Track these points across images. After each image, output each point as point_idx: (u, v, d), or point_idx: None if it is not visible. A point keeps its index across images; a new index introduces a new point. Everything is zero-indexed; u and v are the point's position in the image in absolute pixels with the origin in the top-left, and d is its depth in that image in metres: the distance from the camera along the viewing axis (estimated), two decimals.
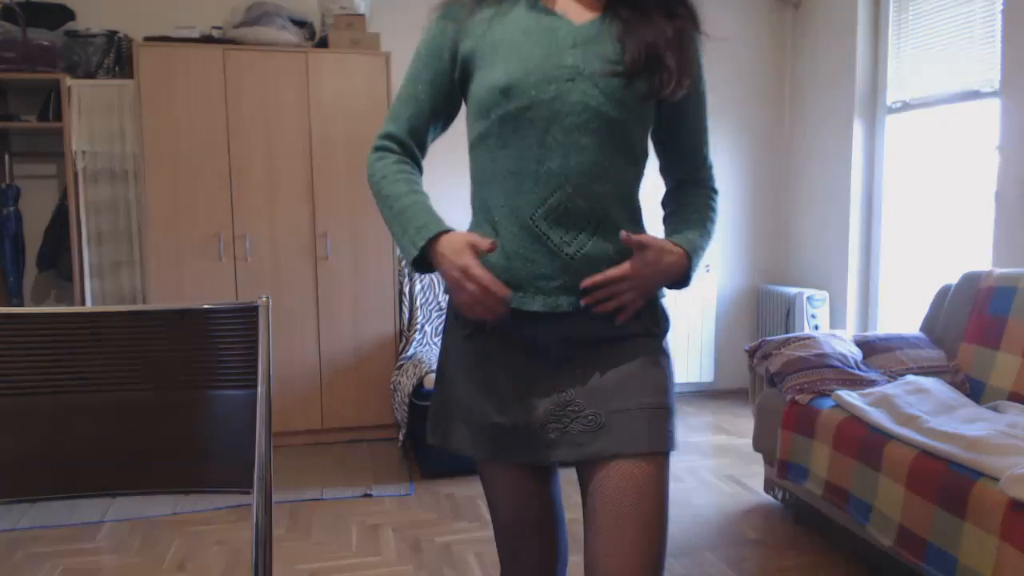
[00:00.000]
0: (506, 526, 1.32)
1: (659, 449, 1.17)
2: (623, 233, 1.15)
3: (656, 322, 1.26)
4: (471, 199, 1.27)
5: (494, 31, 1.20)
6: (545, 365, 1.22)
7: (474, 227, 1.26)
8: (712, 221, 1.32)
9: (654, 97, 1.20)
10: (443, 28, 1.24)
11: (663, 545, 1.16)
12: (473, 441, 1.27)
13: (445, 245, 1.15)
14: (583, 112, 1.15)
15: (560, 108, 1.15)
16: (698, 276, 1.78)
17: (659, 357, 1.24)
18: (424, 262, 1.20)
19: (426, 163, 1.34)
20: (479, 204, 1.25)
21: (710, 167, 1.37)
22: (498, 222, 1.21)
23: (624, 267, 1.17)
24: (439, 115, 1.28)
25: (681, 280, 1.24)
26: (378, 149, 1.28)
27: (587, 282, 1.17)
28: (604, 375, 1.21)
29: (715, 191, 1.36)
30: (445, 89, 1.26)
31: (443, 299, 3.90)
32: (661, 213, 1.38)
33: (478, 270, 1.11)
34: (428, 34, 1.26)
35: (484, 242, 1.12)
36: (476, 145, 1.24)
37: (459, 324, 1.27)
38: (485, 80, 1.19)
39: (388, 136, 1.27)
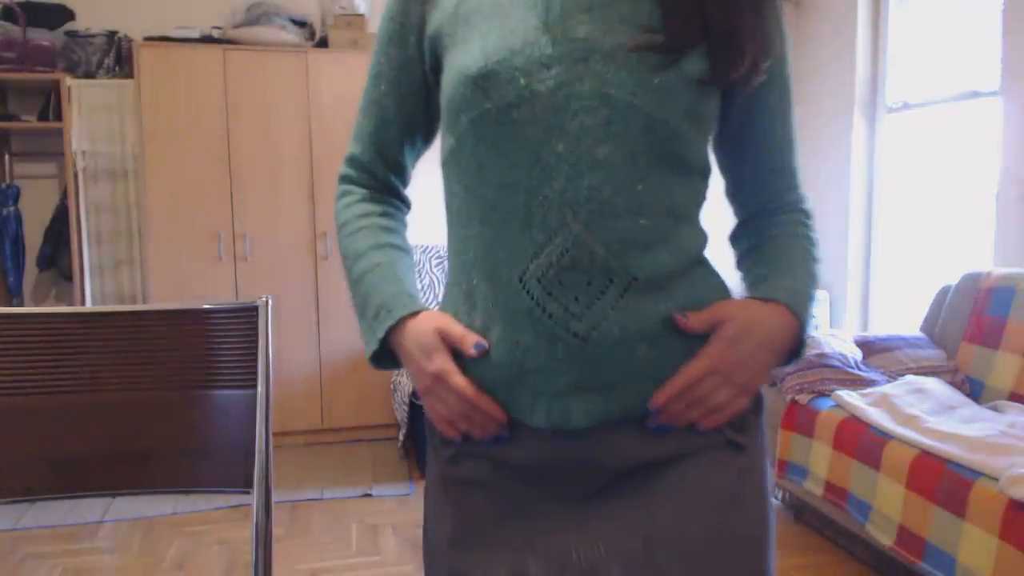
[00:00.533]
0: None
1: None
2: (676, 316, 0.77)
3: (744, 430, 0.80)
4: (448, 242, 0.86)
5: None
6: (559, 506, 0.80)
7: (448, 295, 0.86)
8: (814, 257, 0.88)
9: (718, 82, 0.78)
10: (406, 1, 0.87)
11: None
12: None
13: (410, 337, 0.81)
14: (601, 108, 0.74)
15: (566, 104, 0.74)
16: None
17: (748, 486, 0.79)
18: (388, 357, 0.86)
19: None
20: (452, 256, 0.85)
21: (799, 184, 0.95)
22: (474, 285, 0.80)
23: (703, 359, 0.77)
24: (415, 125, 0.91)
25: (794, 349, 0.83)
26: (341, 182, 0.96)
27: (657, 399, 0.77)
28: (653, 524, 0.77)
29: (808, 215, 0.94)
30: (416, 87, 0.89)
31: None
32: (729, 253, 0.97)
33: (458, 378, 0.78)
34: (387, 11, 0.89)
35: (467, 337, 0.79)
36: (446, 164, 0.85)
37: (436, 443, 0.88)
38: (455, 66, 0.79)
39: (350, 162, 0.95)
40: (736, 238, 0.96)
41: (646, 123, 0.75)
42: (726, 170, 0.93)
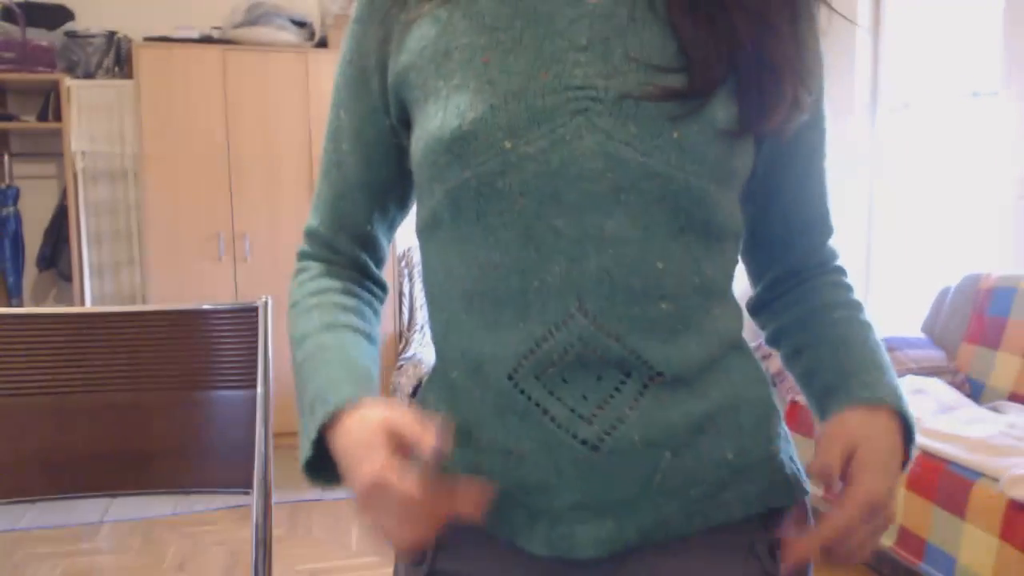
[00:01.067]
0: None
1: None
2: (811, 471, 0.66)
3: (777, 554, 0.65)
4: (431, 329, 0.71)
5: (441, 31, 0.64)
6: None
7: (428, 385, 0.72)
8: (876, 339, 0.73)
9: (754, 130, 0.63)
10: (362, 37, 0.70)
11: None
12: None
13: (348, 433, 0.59)
14: (607, 172, 0.60)
15: (563, 170, 0.60)
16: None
17: None
18: (330, 465, 0.62)
19: None
20: (434, 340, 0.71)
21: (831, 235, 0.81)
22: (457, 381, 0.66)
23: (861, 495, 0.62)
24: (385, 190, 0.74)
25: (905, 459, 0.68)
26: (298, 259, 0.78)
27: (790, 560, 0.62)
28: None
29: (846, 275, 0.80)
30: (384, 143, 0.71)
31: None
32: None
33: (395, 479, 0.54)
34: (342, 54, 0.74)
35: (424, 436, 0.55)
36: (421, 235, 0.71)
37: (407, 568, 0.70)
38: (427, 126, 0.64)
39: (309, 237, 0.77)
40: (767, 310, 0.78)
41: (665, 188, 0.60)
42: (750, 226, 0.72)
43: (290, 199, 3.56)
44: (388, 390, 3.70)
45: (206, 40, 3.51)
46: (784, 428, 0.73)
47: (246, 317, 1.19)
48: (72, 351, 1.15)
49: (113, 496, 1.12)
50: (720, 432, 0.64)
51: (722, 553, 0.64)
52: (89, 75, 3.57)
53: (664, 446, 0.61)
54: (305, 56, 3.52)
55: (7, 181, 3.68)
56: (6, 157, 3.69)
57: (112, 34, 3.61)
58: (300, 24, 3.66)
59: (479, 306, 0.63)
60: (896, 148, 4.01)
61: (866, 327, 0.73)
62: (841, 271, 0.79)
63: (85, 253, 3.60)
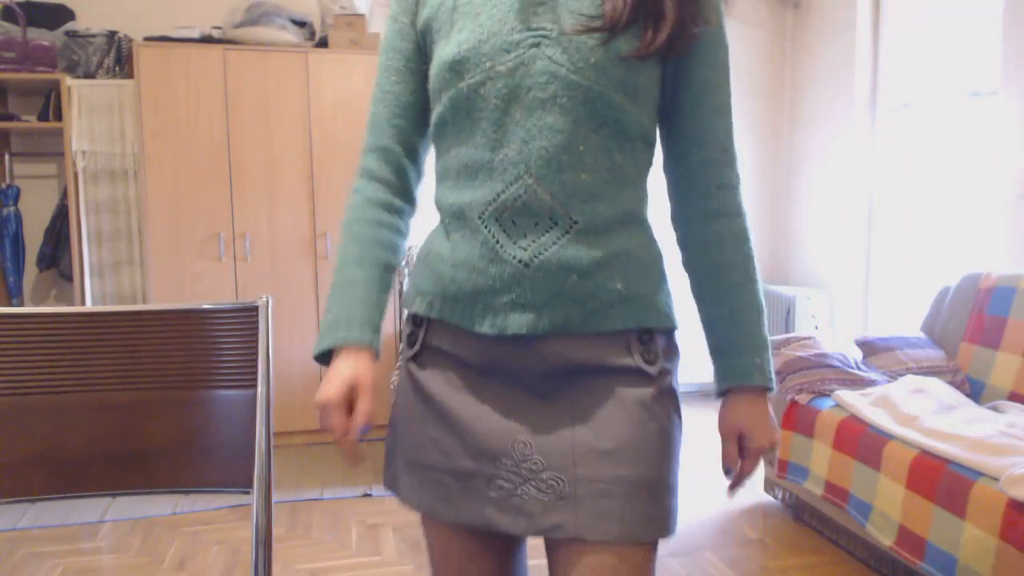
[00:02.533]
0: None
1: (639, 539, 0.91)
2: (724, 472, 1.03)
3: (657, 355, 0.95)
4: (435, 195, 1.02)
5: None
6: (500, 402, 0.96)
7: (432, 232, 1.05)
8: (758, 286, 1.01)
9: (644, 53, 0.90)
10: (401, 2, 1.03)
11: None
12: (419, 492, 1.00)
13: (336, 364, 0.95)
14: (549, 83, 0.90)
15: (521, 81, 0.90)
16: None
17: (658, 407, 0.94)
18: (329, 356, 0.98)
19: None
20: (437, 205, 1.01)
21: (735, 174, 1.01)
22: (448, 225, 0.98)
23: (747, 465, 1.02)
24: (423, 106, 1.03)
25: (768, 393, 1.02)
26: (359, 176, 1.06)
27: (732, 487, 1.04)
28: (576, 426, 0.93)
29: (744, 218, 1.02)
30: (422, 76, 1.02)
31: None
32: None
33: (334, 418, 0.95)
34: (391, 12, 1.04)
35: (360, 415, 0.94)
36: (435, 136, 1.01)
37: (405, 345, 1.04)
38: (438, 56, 0.96)
39: (371, 150, 1.05)
40: (684, 234, 1.06)
41: (586, 95, 0.90)
42: (663, 140, 1.03)
43: (290, 199, 3.56)
44: (389, 390, 3.71)
45: (206, 40, 3.51)
46: (665, 279, 1.00)
47: (246, 317, 1.19)
48: (72, 351, 1.15)
49: (113, 496, 1.12)
50: (613, 270, 0.93)
51: (604, 344, 0.94)
52: (90, 75, 3.57)
53: (572, 271, 0.91)
54: (305, 56, 3.52)
55: (7, 181, 3.68)
56: (6, 157, 3.69)
57: (113, 34, 3.62)
58: (300, 24, 3.66)
59: (464, 174, 0.95)
60: (896, 148, 4.01)
61: (749, 297, 1.00)
62: (737, 216, 1.01)
63: (85, 253, 3.60)
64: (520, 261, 0.91)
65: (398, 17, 1.03)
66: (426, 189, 1.08)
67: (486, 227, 0.93)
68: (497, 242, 0.92)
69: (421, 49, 1.02)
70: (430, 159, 1.07)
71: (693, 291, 1.05)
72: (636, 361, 0.95)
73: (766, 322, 1.01)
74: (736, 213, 1.01)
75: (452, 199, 0.97)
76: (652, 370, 0.96)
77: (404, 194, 1.06)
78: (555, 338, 0.94)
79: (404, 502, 1.03)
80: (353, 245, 1.01)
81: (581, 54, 0.90)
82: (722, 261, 1.00)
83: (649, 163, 1.01)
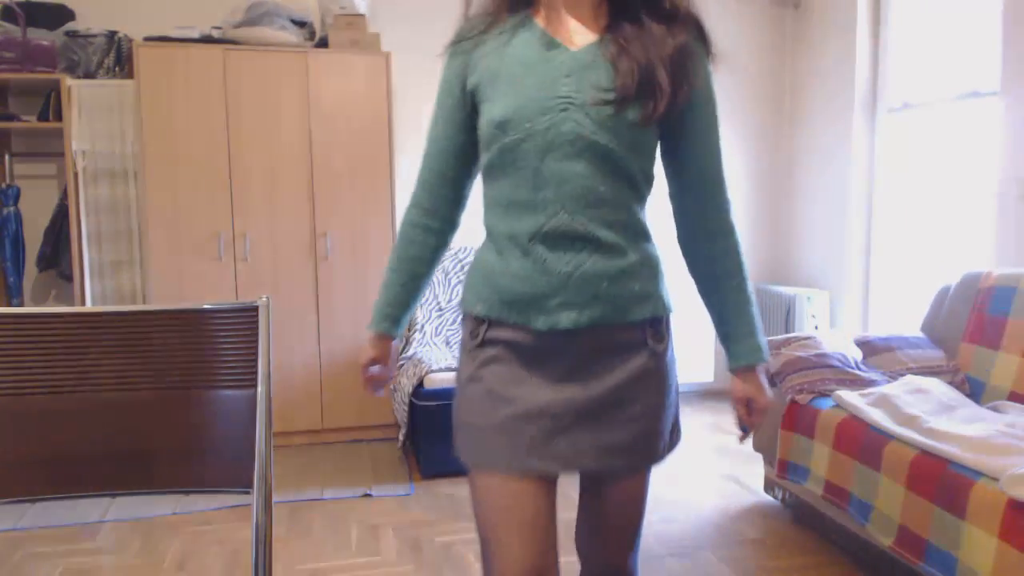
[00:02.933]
0: (505, 531, 1.25)
1: (647, 465, 1.33)
2: (738, 425, 1.39)
3: (662, 335, 1.32)
4: (485, 222, 1.31)
5: (496, 64, 1.24)
6: (551, 379, 1.26)
7: (483, 249, 1.32)
8: (749, 286, 1.35)
9: (648, 123, 1.19)
10: (452, 65, 1.31)
11: (640, 528, 1.39)
12: (489, 451, 1.26)
13: (369, 343, 1.40)
14: (576, 141, 1.18)
15: (553, 138, 1.18)
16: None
17: (659, 376, 1.30)
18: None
19: None
20: (488, 229, 1.31)
21: (727, 203, 1.32)
22: (503, 247, 1.26)
23: (756, 416, 1.37)
24: (465, 150, 1.32)
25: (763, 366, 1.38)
26: (409, 201, 1.40)
27: (751, 430, 1.39)
28: (611, 392, 1.26)
29: (736, 236, 1.33)
30: (462, 123, 1.30)
31: (443, 300, 3.90)
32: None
33: (362, 376, 1.41)
34: (442, 74, 1.33)
35: (377, 377, 1.41)
36: (484, 175, 1.30)
37: (471, 348, 1.32)
38: (486, 114, 1.23)
39: (418, 182, 1.38)
40: (687, 256, 1.37)
41: (604, 151, 1.19)
42: (669, 177, 1.34)
43: (290, 199, 3.56)
44: (389, 389, 3.71)
45: (206, 40, 3.51)
46: (664, 277, 1.31)
47: (246, 317, 1.19)
48: (72, 351, 1.15)
49: (113, 496, 1.12)
50: (632, 276, 1.24)
51: (626, 331, 1.26)
52: (90, 75, 3.57)
53: (604, 279, 1.21)
54: (305, 56, 3.52)
55: (7, 181, 3.68)
56: (6, 157, 3.69)
57: (113, 34, 3.62)
58: (300, 24, 3.66)
59: (512, 207, 1.23)
60: (896, 148, 4.01)
61: (746, 294, 1.33)
62: (731, 234, 1.33)
63: (85, 253, 3.60)
64: (564, 274, 1.21)
65: (449, 77, 1.31)
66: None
67: (535, 248, 1.22)
68: (544, 260, 1.21)
69: (465, 106, 1.29)
70: (478, 188, 1.35)
71: (700, 291, 1.38)
72: (649, 343, 1.29)
73: (756, 309, 1.35)
74: (730, 231, 1.33)
75: (503, 227, 1.25)
76: (659, 348, 1.30)
77: (440, 218, 1.38)
78: (591, 329, 1.24)
79: (477, 462, 1.28)
80: (393, 256, 1.39)
81: (600, 119, 1.18)
82: (723, 270, 1.33)
83: (649, 193, 1.30)
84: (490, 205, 1.28)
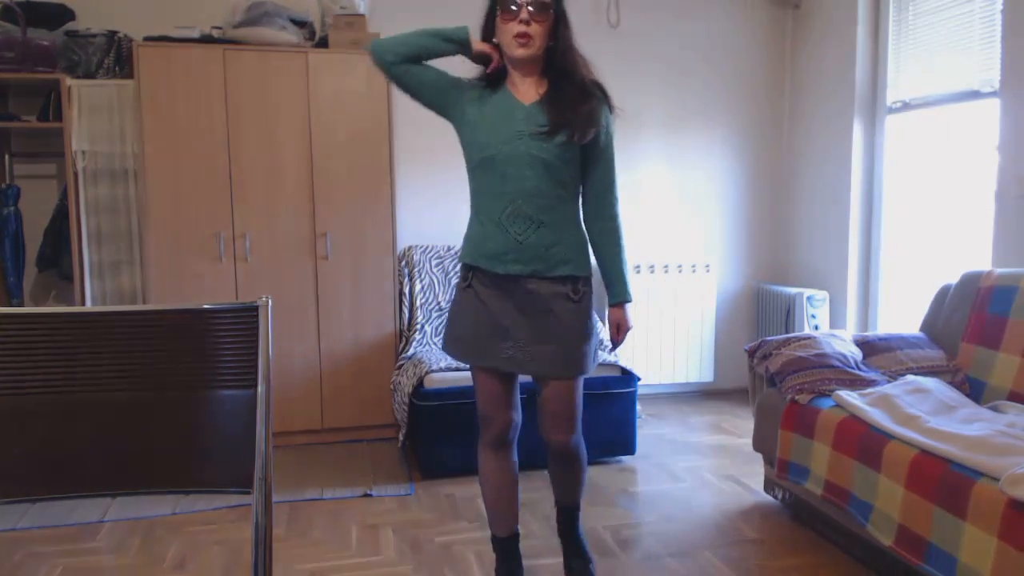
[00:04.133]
0: (483, 407, 2.12)
1: (568, 376, 2.05)
2: (610, 342, 2.20)
3: (579, 290, 2.04)
4: (471, 203, 2.09)
5: (478, 109, 2.02)
6: (508, 308, 2.01)
7: (471, 222, 2.09)
8: (623, 253, 2.12)
9: (567, 143, 1.95)
10: (457, 82, 2.07)
11: (578, 417, 2.11)
12: (464, 351, 2.08)
13: (474, 43, 2.05)
14: (525, 156, 1.95)
15: (512, 154, 1.95)
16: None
17: (577, 316, 2.03)
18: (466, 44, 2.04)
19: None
20: (473, 208, 2.08)
21: (614, 200, 2.11)
22: (483, 220, 2.03)
23: (623, 336, 2.18)
24: (425, 83, 2.05)
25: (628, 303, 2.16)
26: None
27: (615, 349, 2.45)
28: (542, 322, 2.01)
29: (617, 221, 2.12)
30: (436, 83, 2.05)
31: (442, 300, 3.90)
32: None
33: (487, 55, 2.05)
34: (451, 74, 2.07)
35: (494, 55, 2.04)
36: (470, 174, 2.07)
37: (461, 283, 2.09)
38: (472, 139, 2.01)
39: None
40: (589, 230, 2.11)
41: (544, 163, 1.94)
42: (583, 182, 2.08)
43: (290, 199, 3.56)
44: (389, 390, 3.71)
45: (206, 40, 3.51)
46: (588, 251, 2.08)
47: (246, 317, 1.19)
48: (72, 351, 1.15)
49: (113, 496, 1.12)
50: (561, 246, 1.99)
51: (555, 283, 2.00)
52: (90, 75, 3.57)
53: (542, 245, 1.97)
54: (305, 56, 3.52)
55: (7, 181, 3.68)
56: (6, 157, 3.69)
57: (113, 34, 3.61)
58: (300, 24, 3.65)
59: (488, 197, 2.00)
60: (896, 148, 4.01)
61: (620, 258, 2.10)
62: (615, 221, 2.10)
63: (85, 253, 3.59)
64: (518, 240, 1.97)
65: (452, 78, 2.07)
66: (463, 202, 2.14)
67: (502, 223, 1.98)
68: (506, 230, 1.98)
69: (447, 96, 2.06)
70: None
71: (594, 253, 2.11)
72: (569, 293, 2.02)
73: (626, 260, 2.13)
74: (612, 218, 2.10)
75: (483, 208, 2.02)
76: (576, 297, 2.03)
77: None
78: (532, 278, 2.00)
79: (459, 359, 2.11)
80: (412, 36, 2.08)
81: (540, 143, 1.95)
82: (606, 242, 2.11)
83: (578, 193, 2.07)
84: (474, 194, 2.06)
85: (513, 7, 1.91)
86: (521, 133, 1.92)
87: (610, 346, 2.16)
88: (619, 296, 2.11)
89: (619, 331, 2.14)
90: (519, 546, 2.25)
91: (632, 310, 2.14)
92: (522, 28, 1.91)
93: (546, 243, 1.96)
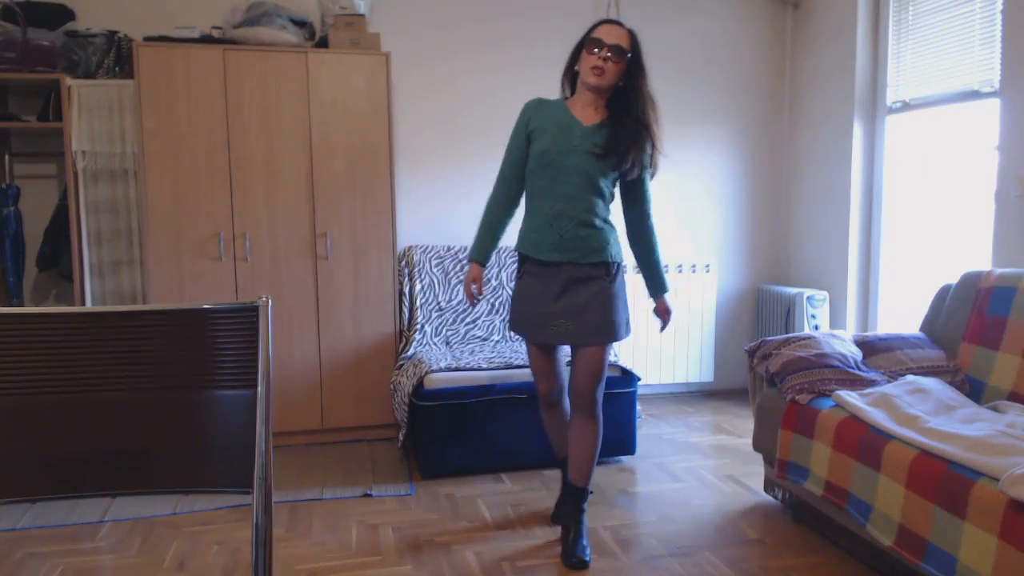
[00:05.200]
0: (536, 376, 2.62)
1: (601, 342, 2.45)
2: (658, 318, 2.72)
3: (612, 273, 2.47)
4: (525, 201, 2.56)
5: (546, 122, 2.46)
6: (553, 292, 2.45)
7: (526, 217, 2.53)
8: (659, 256, 2.62)
9: (615, 170, 2.42)
10: (523, 116, 2.54)
11: (602, 379, 2.50)
12: (522, 328, 2.54)
13: (472, 268, 2.60)
14: (576, 167, 2.40)
15: (566, 164, 2.40)
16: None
17: (609, 293, 2.45)
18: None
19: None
20: (527, 206, 2.53)
21: (650, 217, 2.58)
22: (533, 216, 2.48)
23: (666, 318, 2.70)
24: (523, 164, 2.53)
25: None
26: (494, 187, 2.60)
27: (664, 329, 2.75)
28: (580, 301, 2.44)
29: (654, 235, 2.60)
30: (523, 149, 2.52)
31: (443, 299, 3.90)
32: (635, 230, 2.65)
33: (468, 288, 2.61)
34: (518, 119, 2.56)
35: (472, 293, 2.61)
36: (528, 174, 2.50)
37: (519, 270, 2.55)
38: (536, 148, 2.46)
39: (499, 179, 2.60)
40: (631, 240, 2.62)
41: (588, 175, 2.41)
42: (623, 201, 2.56)
43: (290, 199, 3.56)
44: (389, 390, 3.71)
45: (206, 40, 3.51)
46: (615, 242, 2.50)
47: (246, 317, 1.19)
48: (72, 351, 1.15)
49: (113, 496, 1.12)
50: (593, 239, 2.44)
51: (590, 268, 2.45)
52: (89, 75, 3.57)
53: (580, 239, 2.43)
54: (305, 56, 3.52)
55: (7, 181, 3.68)
56: (6, 157, 3.69)
57: (113, 34, 3.61)
58: (300, 24, 3.66)
59: (540, 196, 2.47)
60: (896, 148, 4.01)
61: (658, 261, 2.62)
62: (652, 232, 2.60)
63: (85, 253, 3.59)
64: (560, 235, 2.41)
65: (520, 122, 2.54)
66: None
67: (549, 219, 2.43)
68: (551, 225, 2.42)
69: (527, 138, 2.51)
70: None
71: (636, 259, 2.63)
72: (603, 276, 2.45)
73: (661, 261, 2.62)
74: (651, 231, 2.58)
75: (536, 207, 2.47)
76: (607, 279, 2.46)
77: (511, 198, 2.58)
78: (571, 264, 2.43)
79: (519, 334, 2.57)
80: (483, 219, 2.59)
81: (590, 159, 2.40)
82: (646, 251, 2.60)
83: (612, 199, 2.50)
84: (529, 192, 2.51)
85: (596, 48, 2.36)
86: (577, 147, 2.39)
87: (660, 325, 2.70)
88: (661, 289, 2.62)
89: (666, 314, 2.66)
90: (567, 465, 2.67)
91: (670, 299, 2.70)
92: (599, 63, 2.36)
93: (583, 236, 2.41)
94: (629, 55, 2.39)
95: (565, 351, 2.65)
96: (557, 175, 2.38)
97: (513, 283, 2.59)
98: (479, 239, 2.55)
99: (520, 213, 2.57)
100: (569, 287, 2.42)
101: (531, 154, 2.45)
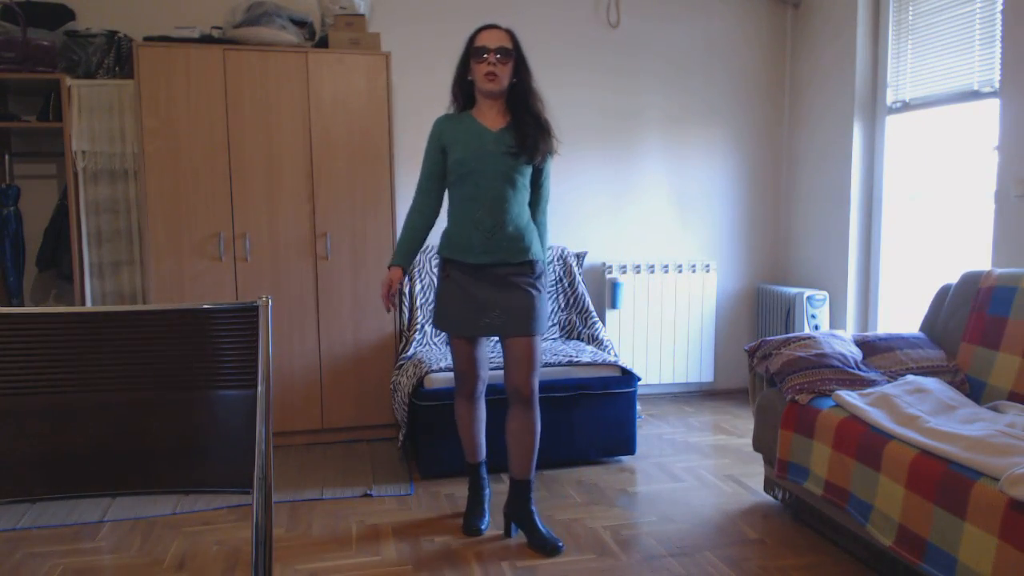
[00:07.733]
0: (460, 367, 2.69)
1: (528, 333, 2.55)
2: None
3: (535, 271, 2.59)
4: (448, 209, 2.65)
5: (456, 134, 2.56)
6: (483, 289, 2.55)
7: (448, 224, 2.62)
8: (547, 240, 2.71)
9: (529, 164, 2.54)
10: (435, 131, 2.62)
11: (536, 368, 2.59)
12: (450, 324, 2.61)
13: (392, 273, 2.64)
14: (495, 171, 2.51)
15: (483, 169, 2.51)
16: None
17: (534, 291, 2.57)
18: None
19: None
20: (450, 213, 2.62)
21: (546, 205, 2.70)
22: (458, 220, 2.57)
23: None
24: (442, 175, 2.64)
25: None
26: (415, 197, 2.68)
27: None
28: (510, 295, 2.54)
29: (545, 221, 2.70)
30: (440, 161, 2.62)
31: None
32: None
33: (384, 288, 2.63)
34: (430, 132, 2.64)
35: (389, 298, 2.63)
36: (450, 185, 2.61)
37: (442, 273, 2.63)
38: (452, 158, 2.55)
39: (418, 189, 2.67)
40: (531, 212, 2.67)
41: (506, 175, 2.53)
42: (531, 192, 2.64)
43: (290, 199, 3.56)
44: (389, 390, 3.71)
45: (206, 40, 3.51)
46: (536, 241, 2.63)
47: (246, 317, 1.19)
48: (72, 351, 1.15)
49: (113, 496, 1.12)
50: (521, 240, 2.57)
51: (517, 267, 2.58)
52: (90, 75, 3.57)
53: (505, 239, 2.54)
54: (305, 56, 3.52)
55: (7, 181, 3.68)
56: (6, 157, 3.69)
57: (113, 34, 3.61)
58: (300, 24, 3.65)
59: (464, 202, 2.57)
60: (896, 148, 4.01)
61: (546, 240, 2.71)
62: (544, 221, 2.70)
63: (85, 253, 3.59)
64: (487, 237, 2.52)
65: (433, 137, 2.62)
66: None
67: (473, 222, 2.52)
68: (477, 228, 2.52)
69: (441, 152, 2.60)
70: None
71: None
72: (528, 274, 2.57)
73: (548, 242, 2.72)
74: (544, 219, 2.69)
75: (459, 212, 2.57)
76: (533, 279, 2.58)
77: (429, 207, 2.66)
78: (498, 266, 2.54)
79: (445, 330, 2.64)
80: (405, 225, 2.66)
81: (506, 159, 2.52)
82: (540, 231, 2.68)
83: (527, 199, 2.60)
84: (452, 201, 2.61)
85: (484, 55, 2.50)
86: (490, 151, 2.50)
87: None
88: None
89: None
90: (483, 470, 2.84)
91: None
92: (490, 68, 2.49)
93: (509, 236, 2.52)
94: (513, 53, 2.52)
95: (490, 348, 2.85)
96: (480, 181, 2.49)
97: (437, 284, 2.65)
98: (402, 245, 2.61)
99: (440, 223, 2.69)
100: (498, 284, 2.53)
101: (449, 167, 2.54)
